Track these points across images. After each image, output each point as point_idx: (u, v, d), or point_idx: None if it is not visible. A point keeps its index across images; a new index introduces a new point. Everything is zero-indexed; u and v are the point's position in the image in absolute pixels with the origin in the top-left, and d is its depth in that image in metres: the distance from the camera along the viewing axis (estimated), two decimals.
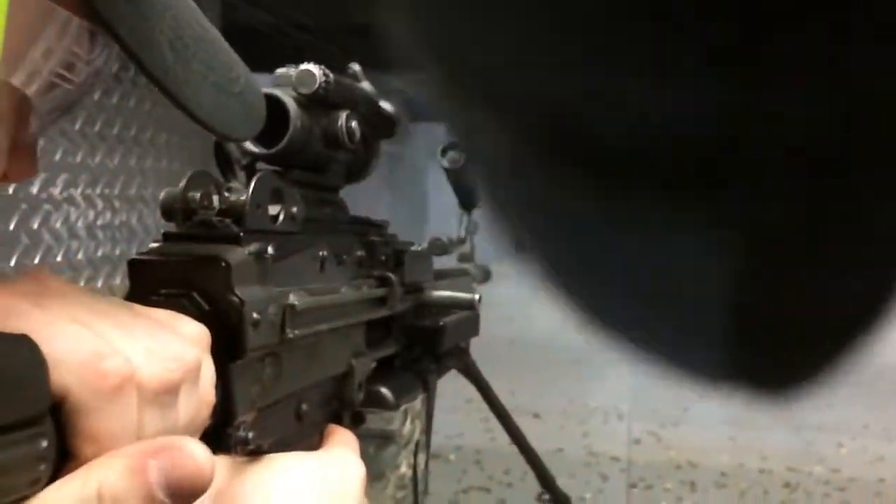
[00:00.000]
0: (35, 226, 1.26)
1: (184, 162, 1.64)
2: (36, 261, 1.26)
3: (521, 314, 9.59)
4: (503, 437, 1.23)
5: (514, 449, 1.28)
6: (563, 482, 1.79)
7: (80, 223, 1.32)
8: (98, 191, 1.40)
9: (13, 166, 0.38)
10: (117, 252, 1.42)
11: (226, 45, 0.43)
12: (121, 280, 1.42)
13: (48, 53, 0.33)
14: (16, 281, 0.35)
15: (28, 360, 0.30)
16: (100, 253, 1.38)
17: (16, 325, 0.31)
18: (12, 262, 1.22)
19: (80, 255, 1.34)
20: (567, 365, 7.18)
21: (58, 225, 1.27)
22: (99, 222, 1.39)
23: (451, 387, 1.12)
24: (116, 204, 1.42)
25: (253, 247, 0.46)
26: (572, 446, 4.70)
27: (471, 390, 1.15)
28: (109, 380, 0.32)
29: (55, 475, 0.31)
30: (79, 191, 1.33)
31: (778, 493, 4.05)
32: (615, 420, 5.35)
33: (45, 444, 0.30)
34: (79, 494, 0.30)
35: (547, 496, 1.59)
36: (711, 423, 5.42)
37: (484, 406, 1.17)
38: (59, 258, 1.30)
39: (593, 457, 4.55)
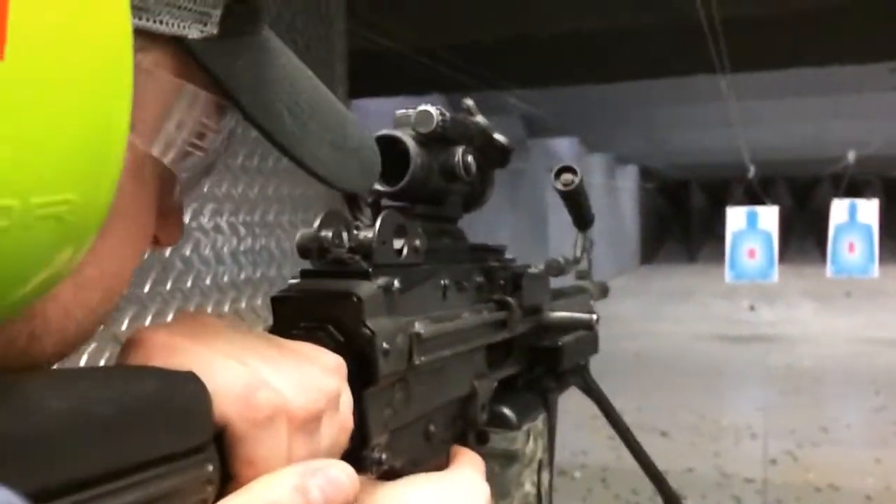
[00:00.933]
0: (187, 252, 1.37)
1: (316, 188, 1.72)
2: (188, 284, 1.37)
3: (645, 329, 9.39)
4: (629, 456, 1.22)
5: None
6: None
7: (225, 249, 1.43)
8: (240, 218, 1.50)
9: (162, 230, 0.42)
10: (258, 275, 1.52)
11: (340, 106, 0.46)
12: (261, 301, 1.52)
13: (181, 125, 0.37)
14: (176, 320, 0.40)
15: (195, 395, 0.34)
16: (243, 276, 1.49)
17: (180, 362, 0.35)
18: (168, 286, 1.33)
19: (225, 279, 1.44)
20: (696, 381, 6.95)
21: (206, 251, 1.38)
22: (242, 247, 1.49)
23: (576, 404, 1.13)
24: (257, 230, 1.52)
25: (381, 280, 0.50)
26: (703, 466, 4.55)
27: (595, 408, 1.15)
28: (263, 411, 0.36)
29: (219, 496, 0.35)
30: (224, 219, 1.43)
31: None
32: (748, 439, 5.13)
33: (210, 468, 0.34)
34: None
35: None
36: (854, 443, 5.11)
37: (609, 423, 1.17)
38: (207, 281, 1.40)
39: (725, 478, 4.39)
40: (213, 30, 0.36)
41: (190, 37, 0.35)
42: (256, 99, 0.38)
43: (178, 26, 0.34)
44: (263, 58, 0.40)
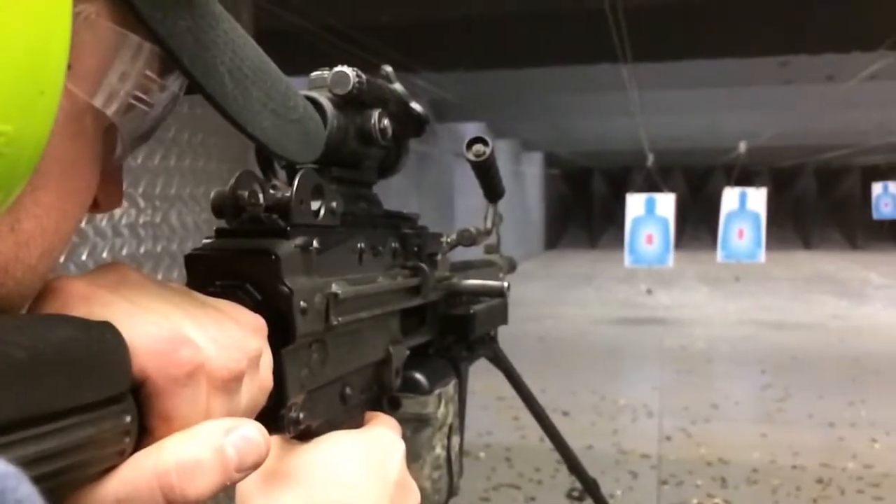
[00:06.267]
0: (82, 224, 1.30)
1: (221, 161, 1.68)
2: (83, 258, 1.31)
3: (549, 313, 9.61)
4: (533, 434, 1.24)
5: (545, 446, 1.30)
6: None
7: (123, 221, 1.37)
8: (140, 190, 1.44)
9: (103, 193, 0.41)
10: (158, 248, 1.46)
11: (285, 78, 0.46)
12: (162, 275, 1.46)
13: (124, 77, 0.36)
14: (97, 271, 0.39)
15: (112, 345, 0.34)
16: (142, 250, 1.43)
17: (99, 313, 0.35)
18: (61, 259, 1.26)
19: (124, 252, 1.39)
20: (597, 362, 7.18)
21: (103, 223, 1.32)
22: (141, 220, 1.43)
23: (482, 384, 1.14)
24: (157, 203, 1.47)
25: (299, 240, 0.49)
26: (602, 444, 4.70)
27: (501, 388, 1.17)
28: (183, 367, 0.36)
29: (136, 448, 0.35)
30: (139, 190, 1.37)
31: (811, 490, 4.01)
32: (645, 417, 5.34)
33: (128, 419, 0.34)
34: (158, 464, 0.34)
35: (577, 493, 1.60)
36: (742, 419, 5.39)
37: (514, 404, 1.19)
38: (104, 255, 1.34)
39: (623, 454, 4.55)
40: None
41: None
42: (197, 59, 0.38)
43: None
44: (205, 20, 0.39)
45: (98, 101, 0.36)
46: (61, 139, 0.34)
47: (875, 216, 13.69)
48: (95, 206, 0.42)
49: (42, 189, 0.34)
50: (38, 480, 0.29)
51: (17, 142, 0.29)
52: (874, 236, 20.01)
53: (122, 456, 0.34)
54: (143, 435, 0.36)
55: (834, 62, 6.10)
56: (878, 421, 5.11)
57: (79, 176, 0.37)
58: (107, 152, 0.39)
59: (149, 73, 0.38)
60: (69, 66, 0.32)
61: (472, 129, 11.42)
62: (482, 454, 4.51)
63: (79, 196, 0.37)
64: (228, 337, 0.39)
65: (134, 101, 0.38)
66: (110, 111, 0.36)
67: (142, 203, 1.42)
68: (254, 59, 0.43)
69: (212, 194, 0.51)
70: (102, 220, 1.31)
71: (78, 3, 0.33)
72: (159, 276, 1.44)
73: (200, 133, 1.60)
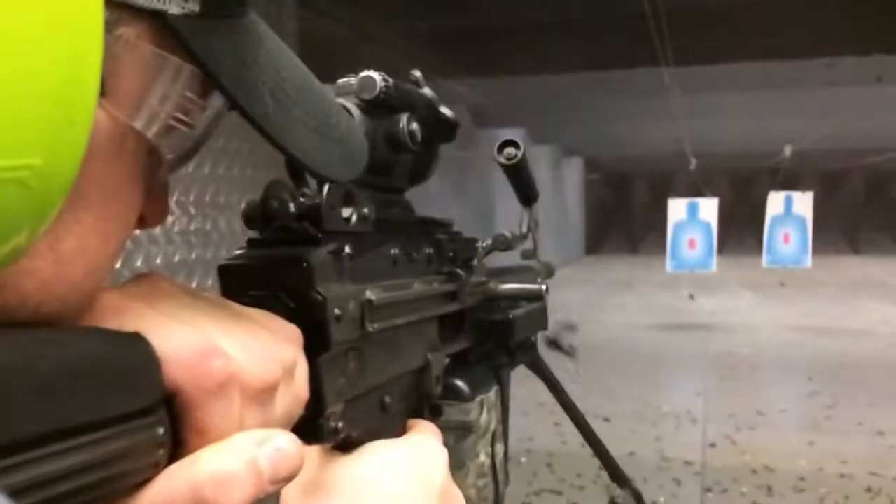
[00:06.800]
0: (136, 232, 1.34)
1: (266, 170, 1.71)
2: (138, 264, 1.35)
3: (590, 318, 9.52)
4: (574, 440, 1.24)
5: (586, 452, 1.29)
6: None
7: (175, 228, 1.41)
8: (191, 198, 1.48)
9: (148, 209, 0.41)
10: (209, 255, 1.50)
11: (329, 95, 0.46)
12: (212, 281, 1.50)
13: (164, 99, 0.37)
14: (130, 283, 0.39)
15: (142, 357, 0.34)
16: (193, 256, 1.47)
17: (131, 325, 0.35)
18: (117, 266, 1.30)
19: (176, 258, 1.42)
20: (638, 368, 7.09)
21: (156, 231, 1.36)
22: (192, 227, 1.47)
23: (523, 391, 1.15)
24: (207, 210, 1.50)
25: (331, 246, 0.49)
26: (645, 450, 4.64)
27: (542, 394, 1.16)
28: (215, 378, 0.36)
29: (170, 461, 0.35)
30: (173, 198, 1.41)
31: (859, 499, 3.91)
32: (688, 424, 5.25)
33: (161, 431, 0.34)
34: (192, 477, 0.34)
35: (620, 499, 1.58)
36: (789, 427, 5.28)
37: (555, 409, 1.19)
38: (158, 261, 1.38)
39: (666, 461, 4.49)
40: (194, 7, 0.36)
41: (170, 12, 0.35)
42: (238, 80, 0.38)
43: (158, 0, 0.34)
44: (247, 40, 0.40)
45: (139, 124, 0.36)
46: (102, 161, 0.34)
47: None
48: (141, 222, 0.42)
49: (83, 209, 0.34)
50: (71, 494, 0.29)
51: (45, 174, 0.28)
52: None
53: (157, 468, 0.34)
54: (178, 447, 0.35)
55: (882, 63, 5.96)
56: None
57: (121, 196, 0.37)
58: (150, 171, 0.39)
59: (189, 94, 0.38)
60: (107, 91, 0.33)
61: (511, 134, 11.36)
62: (523, 459, 4.49)
63: (121, 216, 0.37)
64: (262, 347, 0.39)
65: (175, 123, 0.38)
66: (151, 133, 0.36)
67: (193, 211, 1.46)
68: (297, 77, 0.43)
69: (242, 204, 0.51)
70: (156, 228, 1.36)
71: (119, 27, 0.33)
72: (210, 282, 1.48)
73: (248, 143, 1.63)
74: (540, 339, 0.93)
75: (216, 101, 0.40)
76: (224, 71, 0.37)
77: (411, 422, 0.60)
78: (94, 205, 0.35)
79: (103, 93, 0.32)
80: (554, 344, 1.15)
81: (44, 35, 0.27)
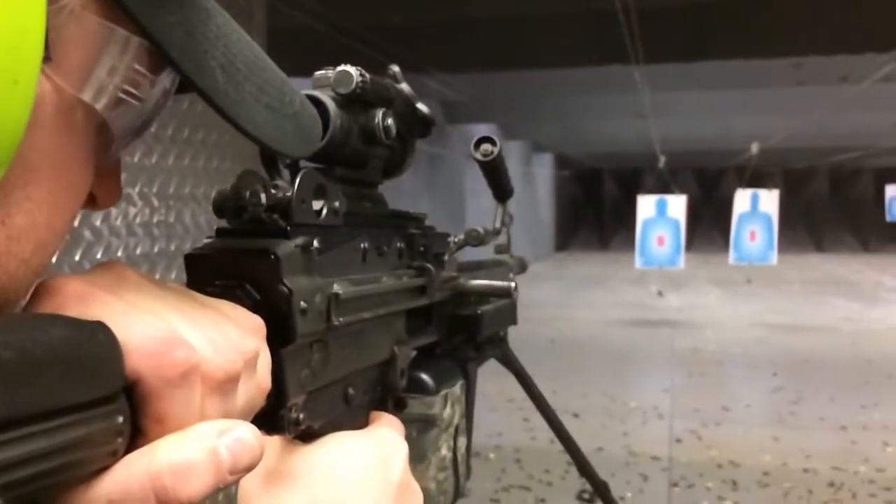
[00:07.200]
0: (97, 222, 1.32)
1: (232, 161, 1.69)
2: (98, 256, 1.32)
3: (560, 315, 9.59)
4: (543, 436, 1.25)
5: (555, 447, 1.30)
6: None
7: (138, 220, 1.38)
8: (155, 189, 1.46)
9: (100, 189, 0.41)
10: (172, 248, 1.47)
11: (280, 73, 0.46)
12: (175, 274, 1.47)
13: (112, 71, 0.36)
14: (94, 271, 0.38)
15: (104, 345, 0.33)
16: (156, 249, 1.44)
17: (94, 313, 0.34)
18: (76, 257, 1.28)
19: (138, 251, 1.40)
20: (607, 364, 7.16)
21: (118, 222, 1.33)
22: (155, 219, 1.44)
23: (492, 387, 1.15)
24: (171, 202, 1.48)
25: (299, 240, 0.49)
26: (613, 446, 4.68)
27: (512, 390, 1.17)
28: (177, 368, 0.35)
29: (129, 450, 0.35)
30: (136, 189, 1.39)
31: (822, 493, 3.98)
32: (655, 419, 5.32)
33: (120, 419, 0.34)
34: (151, 466, 0.34)
35: (587, 495, 1.59)
36: (754, 422, 5.37)
37: (524, 405, 1.19)
38: (119, 253, 1.36)
39: (634, 456, 4.54)
40: None
41: None
42: (187, 53, 0.37)
43: None
44: (196, 14, 0.39)
45: (87, 96, 0.35)
46: (51, 134, 0.34)
47: (888, 218, 13.58)
48: (93, 203, 0.42)
49: (34, 184, 0.34)
50: (27, 481, 0.29)
51: None
52: (887, 239, 19.85)
53: (115, 457, 0.34)
54: (137, 436, 0.35)
55: (847, 63, 6.06)
56: (890, 424, 5.07)
57: (71, 171, 0.37)
58: (101, 149, 0.39)
59: (138, 67, 0.37)
60: (51, 59, 0.32)
61: (483, 130, 11.39)
62: (492, 455, 4.51)
63: (72, 191, 0.37)
64: (225, 338, 0.39)
65: (124, 96, 0.37)
66: (99, 105, 0.36)
67: (156, 202, 1.43)
68: (247, 54, 0.42)
69: (213, 193, 0.50)
70: (117, 219, 1.33)
71: None
72: (173, 276, 1.46)
73: (215, 132, 1.61)
74: None
75: (166, 76, 0.40)
76: (173, 43, 0.37)
77: (374, 414, 0.61)
78: (45, 179, 0.34)
79: (48, 58, 0.32)
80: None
81: None
